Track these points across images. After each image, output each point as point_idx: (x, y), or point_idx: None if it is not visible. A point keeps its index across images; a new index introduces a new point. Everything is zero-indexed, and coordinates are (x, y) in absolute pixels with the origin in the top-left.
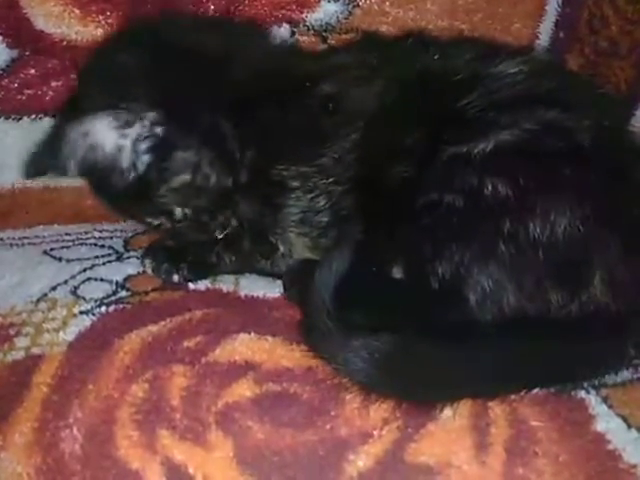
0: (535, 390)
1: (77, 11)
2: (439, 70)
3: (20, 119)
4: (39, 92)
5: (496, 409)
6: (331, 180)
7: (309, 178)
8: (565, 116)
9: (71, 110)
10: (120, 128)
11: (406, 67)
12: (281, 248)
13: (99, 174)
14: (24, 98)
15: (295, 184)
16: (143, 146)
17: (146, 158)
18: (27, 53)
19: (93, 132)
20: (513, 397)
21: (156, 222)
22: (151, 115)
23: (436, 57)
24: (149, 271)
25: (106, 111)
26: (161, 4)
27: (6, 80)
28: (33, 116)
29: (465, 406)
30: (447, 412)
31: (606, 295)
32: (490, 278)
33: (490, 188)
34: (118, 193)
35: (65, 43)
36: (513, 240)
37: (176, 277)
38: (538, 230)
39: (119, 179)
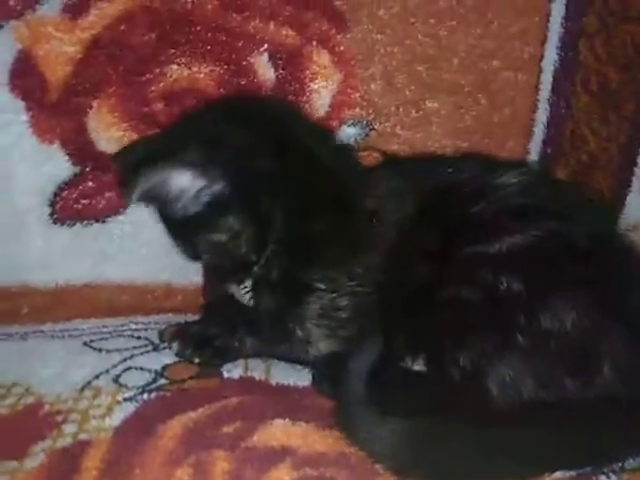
0: (557, 474)
1: (135, 136)
2: (452, 183)
3: (74, 225)
4: (93, 202)
5: None
6: (356, 283)
7: (336, 281)
8: (562, 224)
9: (161, 151)
10: (192, 178)
11: (426, 182)
12: (299, 333)
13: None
14: (80, 207)
15: (321, 286)
16: (204, 198)
17: (199, 207)
18: (87, 169)
19: (174, 177)
20: None
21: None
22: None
23: (450, 171)
24: (174, 352)
25: (192, 166)
26: None
27: (66, 192)
28: (85, 222)
29: None
30: None
31: (616, 382)
32: (509, 368)
33: (505, 284)
34: (174, 222)
35: None
36: (528, 332)
37: (197, 360)
38: (549, 322)
39: (173, 213)
